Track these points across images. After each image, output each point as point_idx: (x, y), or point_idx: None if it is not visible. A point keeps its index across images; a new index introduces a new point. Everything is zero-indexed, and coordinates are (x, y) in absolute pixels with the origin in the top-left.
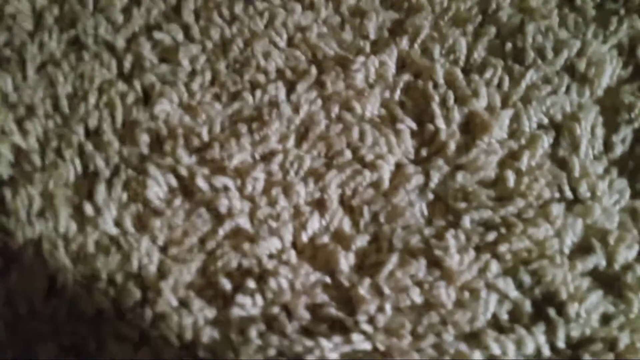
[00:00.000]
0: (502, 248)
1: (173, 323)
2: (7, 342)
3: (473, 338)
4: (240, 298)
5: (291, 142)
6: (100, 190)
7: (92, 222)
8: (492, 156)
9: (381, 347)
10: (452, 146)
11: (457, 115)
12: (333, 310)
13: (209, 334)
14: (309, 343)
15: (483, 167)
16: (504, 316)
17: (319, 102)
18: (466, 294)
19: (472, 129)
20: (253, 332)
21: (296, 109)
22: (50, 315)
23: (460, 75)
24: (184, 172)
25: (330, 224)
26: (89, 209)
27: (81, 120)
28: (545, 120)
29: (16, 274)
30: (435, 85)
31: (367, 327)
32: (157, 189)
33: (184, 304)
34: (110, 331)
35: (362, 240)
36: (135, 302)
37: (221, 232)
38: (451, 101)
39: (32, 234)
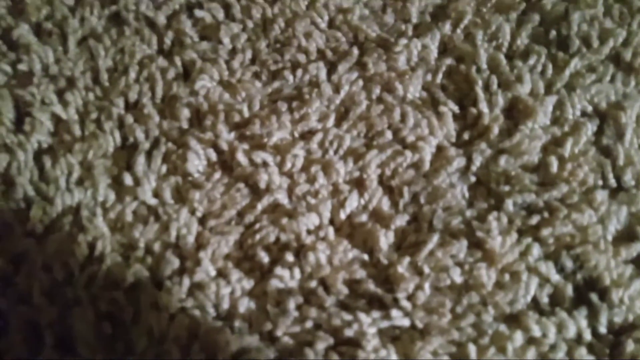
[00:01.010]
0: (545, 232)
1: (210, 293)
2: (44, 307)
3: (513, 319)
4: (278, 271)
5: (331, 122)
6: (140, 161)
7: (131, 192)
8: (535, 141)
9: (420, 325)
10: (496, 130)
11: (500, 100)
12: (371, 287)
13: (246, 305)
14: (347, 317)
15: (526, 152)
16: (545, 300)
17: (360, 82)
18: (507, 276)
19: (515, 114)
20: (290, 304)
21: (337, 89)
22: (87, 282)
23: (503, 60)
24: (224, 146)
25: (369, 203)
26: (127, 179)
27: (121, 93)
28: (590, 108)
29: (54, 241)
30: (479, 70)
31: (407, 304)
32: (196, 162)
33: (221, 274)
34: (147, 300)
35: (401, 220)
36: (173, 271)
37: (259, 206)
38: (494, 86)
39: (71, 202)
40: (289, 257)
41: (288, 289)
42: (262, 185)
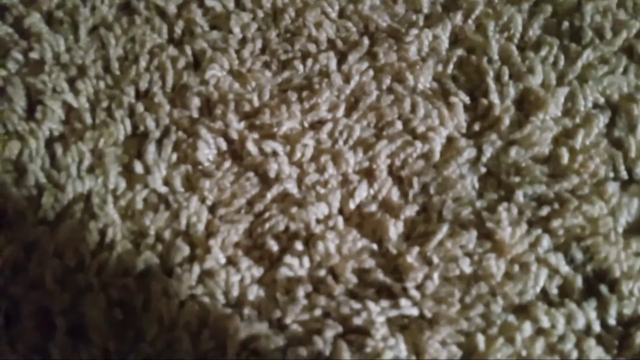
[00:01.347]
0: (555, 223)
1: (220, 280)
2: (56, 293)
3: (522, 310)
4: (288, 259)
5: (341, 112)
6: (150, 149)
7: (142, 180)
8: (546, 133)
9: (428, 314)
10: (506, 121)
11: (511, 91)
12: (380, 276)
13: (255, 293)
14: (356, 305)
15: (537, 143)
16: (554, 291)
17: (371, 72)
18: (516, 267)
19: (526, 105)
20: (300, 292)
21: (347, 79)
22: (98, 269)
23: (515, 51)
24: (234, 135)
25: (379, 194)
26: (138, 167)
27: (132, 82)
28: (602, 100)
29: (66, 228)
30: (490, 61)
31: (415, 294)
32: (207, 151)
33: (231, 262)
34: (157, 287)
35: (411, 210)
36: (183, 259)
37: (269, 195)
38: (506, 77)
39: (82, 189)
40: (299, 246)
41: (297, 277)
42: (272, 174)
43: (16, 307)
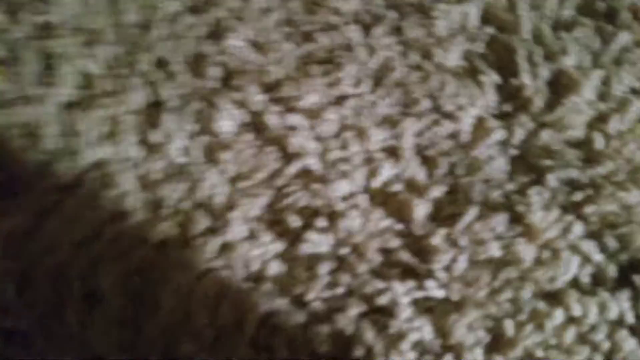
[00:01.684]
0: (589, 209)
1: (240, 253)
2: (71, 262)
3: (553, 297)
4: (310, 235)
5: (366, 87)
6: (169, 119)
7: (160, 149)
8: (579, 116)
9: (455, 297)
10: (538, 103)
11: (544, 72)
12: (405, 256)
13: (276, 268)
14: (380, 285)
15: (570, 127)
16: (586, 279)
17: (397, 48)
18: (547, 253)
19: (559, 87)
20: (322, 269)
21: (372, 54)
22: (115, 238)
23: (548, 31)
24: (254, 107)
25: (404, 172)
26: (156, 136)
27: (150, 49)
28: (638, 84)
29: (80, 196)
30: (521, 40)
31: (442, 275)
32: (227, 122)
33: (252, 235)
34: (176, 258)
35: (437, 191)
36: (202, 231)
37: (291, 170)
38: (538, 57)
39: (98, 157)
40: (321, 222)
41: (319, 254)
42: (293, 149)
43: (29, 273)
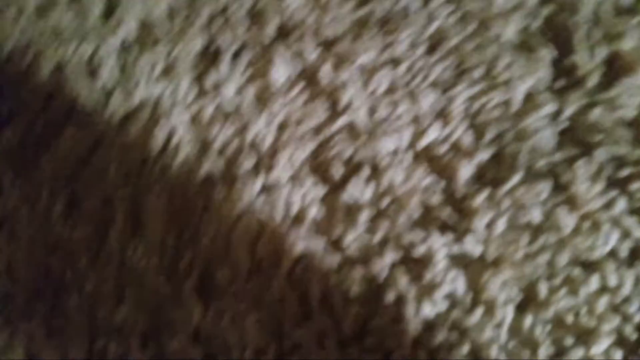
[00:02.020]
0: (634, 186)
1: (282, 195)
2: (119, 190)
3: (589, 265)
4: (352, 184)
5: (421, 51)
6: (224, 63)
7: (212, 91)
8: (633, 97)
9: (492, 256)
10: (592, 81)
11: (600, 52)
12: (446, 213)
13: (315, 211)
14: (419, 234)
15: (622, 106)
16: (624, 253)
17: (455, 16)
18: (587, 223)
19: (614, 68)
20: (362, 216)
21: (430, 20)
22: (162, 170)
23: (608, 14)
24: (309, 59)
25: (452, 136)
26: (210, 79)
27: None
28: None
29: (132, 129)
30: (580, 20)
31: (481, 232)
32: (280, 71)
33: (295, 178)
34: (219, 193)
35: (483, 156)
36: (247, 171)
37: (339, 122)
38: (596, 37)
39: (151, 93)
40: (364, 173)
41: (359, 203)
42: (343, 103)
43: (78, 196)
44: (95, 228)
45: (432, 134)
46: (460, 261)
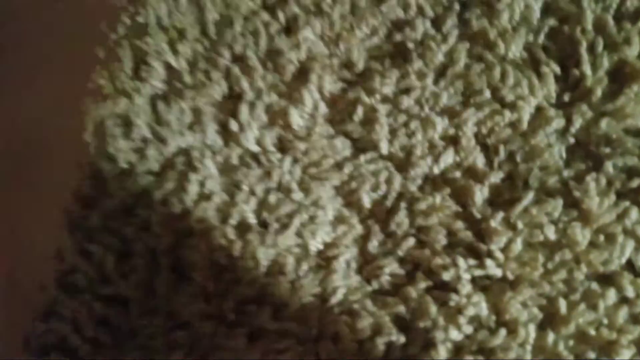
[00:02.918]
0: None
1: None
2: (161, 236)
3: (606, 279)
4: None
5: (430, 79)
6: (244, 110)
7: (236, 138)
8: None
9: (511, 276)
10: (598, 92)
11: (605, 62)
12: (467, 237)
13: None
14: (445, 259)
15: (630, 115)
16: None
17: (462, 40)
18: (602, 237)
19: (620, 77)
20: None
21: (437, 46)
22: (200, 218)
23: (611, 22)
24: (327, 98)
25: (465, 160)
26: (234, 126)
27: (227, 45)
28: None
29: (170, 178)
30: (583, 31)
31: (500, 255)
32: (300, 113)
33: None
34: (255, 237)
35: (496, 177)
36: (282, 215)
37: (362, 158)
38: (600, 47)
39: (183, 144)
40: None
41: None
42: (370, 138)
43: (128, 246)
44: (142, 278)
45: (445, 160)
46: (481, 286)
